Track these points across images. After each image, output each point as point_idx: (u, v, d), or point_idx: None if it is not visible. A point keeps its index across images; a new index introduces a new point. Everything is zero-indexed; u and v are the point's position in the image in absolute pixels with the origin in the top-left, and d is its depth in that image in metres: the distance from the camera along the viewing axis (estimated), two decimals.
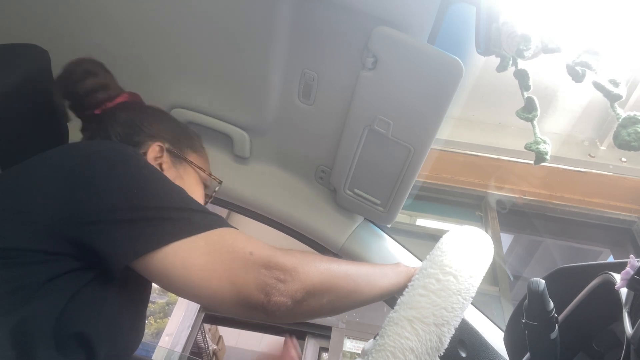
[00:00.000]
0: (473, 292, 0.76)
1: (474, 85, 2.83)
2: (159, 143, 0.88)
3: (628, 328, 0.53)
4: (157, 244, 0.62)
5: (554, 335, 0.66)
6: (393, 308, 0.72)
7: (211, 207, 1.05)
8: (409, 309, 0.70)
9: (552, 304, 0.66)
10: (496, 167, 3.15)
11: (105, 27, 1.04)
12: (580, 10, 0.70)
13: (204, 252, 0.63)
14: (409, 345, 0.66)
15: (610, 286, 0.60)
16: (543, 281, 0.65)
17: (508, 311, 2.63)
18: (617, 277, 0.58)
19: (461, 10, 0.82)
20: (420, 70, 0.85)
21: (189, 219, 0.66)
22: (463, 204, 3.38)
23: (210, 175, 0.97)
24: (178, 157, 0.91)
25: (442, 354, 0.70)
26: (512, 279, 3.04)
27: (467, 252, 0.78)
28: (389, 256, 1.15)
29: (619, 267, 0.60)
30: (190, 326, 4.25)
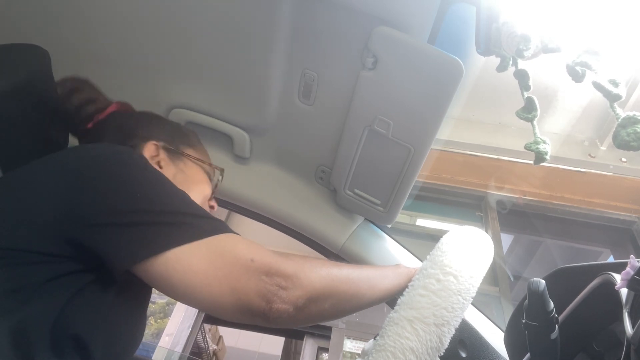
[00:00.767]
0: (473, 292, 0.76)
1: (474, 85, 2.83)
2: (154, 142, 0.88)
3: (628, 328, 0.53)
4: (159, 249, 0.62)
5: (554, 335, 0.66)
6: (393, 308, 0.73)
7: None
8: (409, 309, 0.70)
9: (552, 304, 0.66)
10: (496, 167, 3.15)
11: (105, 28, 1.04)
12: (580, 10, 0.70)
13: (205, 258, 0.63)
14: (409, 345, 0.66)
15: (610, 286, 0.60)
16: (543, 281, 0.65)
17: (508, 311, 2.63)
18: (617, 278, 0.58)
19: (461, 10, 0.82)
20: (420, 70, 0.85)
21: (191, 224, 0.65)
22: (463, 204, 3.38)
23: (210, 165, 0.96)
24: (175, 152, 0.91)
25: (442, 354, 0.70)
26: (512, 279, 3.04)
27: (467, 253, 0.78)
28: (389, 256, 1.15)
29: (619, 268, 0.60)
30: (191, 326, 4.25)
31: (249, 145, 1.17)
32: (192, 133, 1.00)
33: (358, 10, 0.84)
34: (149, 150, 0.87)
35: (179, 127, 0.99)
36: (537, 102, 0.77)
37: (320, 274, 0.69)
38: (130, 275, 0.64)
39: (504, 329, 0.90)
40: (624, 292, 0.57)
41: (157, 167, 0.85)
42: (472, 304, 0.85)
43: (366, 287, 0.76)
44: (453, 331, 0.72)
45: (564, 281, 0.73)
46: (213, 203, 0.97)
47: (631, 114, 0.63)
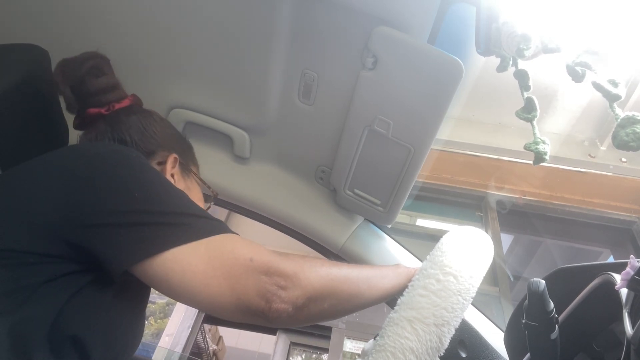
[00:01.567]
0: (473, 292, 0.76)
1: (474, 85, 2.83)
2: (175, 155, 0.89)
3: (628, 328, 0.53)
4: (157, 249, 0.62)
5: (554, 335, 0.66)
6: (393, 308, 0.73)
7: (211, 208, 1.05)
8: (409, 310, 0.70)
9: (552, 304, 0.66)
10: (496, 167, 3.15)
11: (105, 27, 1.04)
12: (580, 10, 0.70)
13: (204, 259, 0.63)
14: (409, 345, 0.66)
15: (610, 286, 0.60)
16: (543, 281, 0.65)
17: (508, 311, 2.63)
18: (617, 278, 0.58)
19: (461, 10, 0.82)
20: (420, 70, 0.85)
21: (190, 224, 0.65)
22: (463, 204, 3.38)
23: (210, 187, 0.97)
24: (186, 169, 0.91)
25: (442, 354, 0.70)
26: (512, 279, 3.04)
27: (467, 253, 0.78)
28: (389, 256, 1.15)
29: (619, 268, 0.60)
30: (190, 326, 4.25)
31: (249, 145, 1.17)
32: (192, 147, 1.00)
33: (358, 10, 0.84)
34: (171, 162, 0.87)
35: (189, 144, 0.99)
36: (537, 102, 0.77)
37: (320, 274, 0.69)
38: (128, 275, 0.64)
39: (504, 329, 0.90)
40: (624, 292, 0.57)
41: (170, 180, 0.85)
42: (472, 304, 0.85)
43: (366, 287, 0.76)
44: (453, 331, 0.72)
45: (564, 281, 0.73)
46: None
47: (630, 114, 0.63)
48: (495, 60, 0.79)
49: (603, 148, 3.10)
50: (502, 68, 0.79)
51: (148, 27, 1.02)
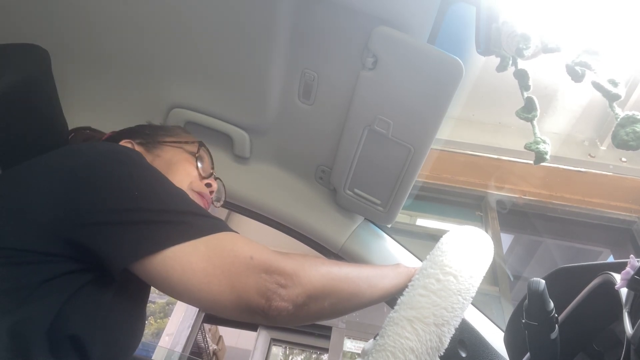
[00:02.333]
0: (473, 292, 0.76)
1: (474, 85, 2.83)
2: (127, 140, 0.89)
3: (628, 328, 0.53)
4: (157, 247, 0.62)
5: (554, 335, 0.66)
6: (393, 308, 0.73)
7: (211, 209, 1.05)
8: (409, 309, 0.70)
9: (552, 304, 0.66)
10: (496, 167, 3.15)
11: (105, 27, 1.04)
12: (580, 10, 0.70)
13: (204, 257, 0.63)
14: (409, 345, 0.66)
15: (610, 286, 0.60)
16: (543, 281, 0.65)
17: (508, 311, 2.63)
18: (617, 277, 0.58)
19: (461, 10, 0.82)
20: (420, 70, 0.85)
21: (190, 222, 0.65)
22: (463, 204, 3.38)
23: (187, 142, 0.93)
24: (151, 143, 0.91)
25: (442, 354, 0.70)
26: (512, 279, 3.04)
27: (467, 252, 0.78)
28: (389, 256, 1.15)
29: (619, 267, 0.60)
30: (191, 326, 4.26)
31: (249, 145, 1.17)
32: (176, 127, 1.00)
33: (358, 10, 0.84)
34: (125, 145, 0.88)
35: (160, 126, 0.99)
36: (537, 102, 0.77)
37: (320, 272, 0.69)
38: (128, 274, 0.64)
39: (504, 329, 0.90)
40: (624, 292, 0.57)
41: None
42: (472, 304, 0.85)
43: (366, 286, 0.76)
44: (453, 331, 0.72)
45: (564, 281, 0.73)
46: (210, 181, 0.94)
47: (630, 113, 0.63)
48: (495, 60, 0.79)
49: (603, 148, 3.10)
50: (502, 68, 0.79)
51: (148, 27, 1.02)
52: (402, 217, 2.25)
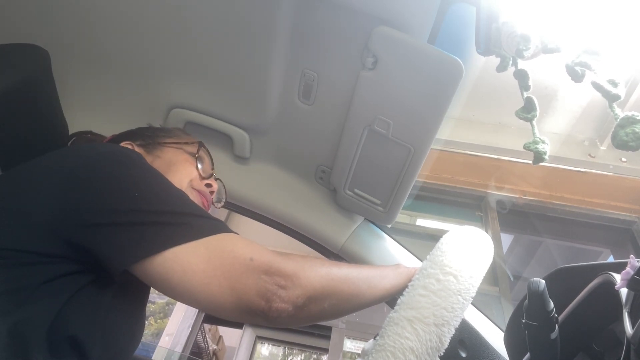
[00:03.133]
0: (473, 292, 0.76)
1: (474, 85, 2.83)
2: (127, 142, 0.89)
3: (628, 328, 0.53)
4: (157, 249, 0.62)
5: (554, 335, 0.66)
6: (393, 308, 0.72)
7: (211, 210, 1.05)
8: (409, 309, 0.70)
9: (552, 304, 0.66)
10: (496, 167, 3.15)
11: (105, 28, 1.04)
12: (580, 10, 0.70)
13: (204, 258, 0.63)
14: (409, 345, 0.66)
15: (610, 286, 0.60)
16: (543, 281, 0.65)
17: (508, 311, 2.63)
18: (617, 277, 0.58)
19: (461, 10, 0.82)
20: (420, 70, 0.85)
21: (190, 223, 0.65)
22: (463, 204, 3.38)
23: (187, 142, 0.94)
24: (150, 145, 0.91)
25: (442, 354, 0.70)
26: (512, 279, 3.04)
27: (467, 252, 0.78)
28: (389, 256, 1.15)
29: (619, 267, 0.60)
30: (190, 326, 4.26)
31: (249, 145, 1.17)
32: (176, 128, 1.01)
33: (358, 10, 0.84)
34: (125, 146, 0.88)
35: (160, 128, 0.99)
36: (536, 102, 0.77)
37: (320, 274, 0.69)
38: (128, 275, 0.64)
39: (504, 329, 0.90)
40: (624, 292, 0.57)
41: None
42: (472, 304, 0.85)
43: (366, 286, 0.76)
44: (453, 331, 0.72)
45: (564, 281, 0.73)
46: (211, 181, 0.94)
47: (630, 114, 0.63)
48: (495, 60, 0.79)
49: (603, 148, 3.10)
50: (502, 68, 0.79)
51: (148, 27, 1.02)
52: (402, 217, 2.25)
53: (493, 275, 2.97)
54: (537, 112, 0.77)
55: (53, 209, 0.64)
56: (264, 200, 1.20)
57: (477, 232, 0.85)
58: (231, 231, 0.68)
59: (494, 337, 0.99)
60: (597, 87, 0.67)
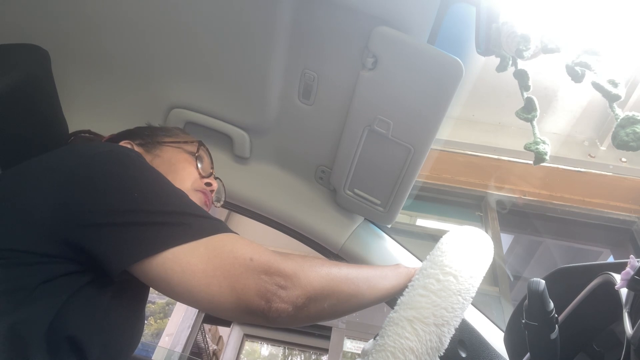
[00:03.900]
0: (473, 292, 0.76)
1: (474, 85, 2.83)
2: (127, 141, 0.89)
3: (628, 328, 0.53)
4: (156, 249, 0.62)
5: (554, 335, 0.66)
6: (393, 308, 0.73)
7: (211, 209, 1.05)
8: (409, 309, 0.70)
9: (552, 304, 0.66)
10: (496, 167, 3.15)
11: (105, 28, 1.04)
12: (580, 10, 0.70)
13: (204, 258, 0.63)
14: (409, 345, 0.66)
15: (610, 286, 0.60)
16: (543, 281, 0.65)
17: (508, 311, 2.63)
18: (617, 277, 0.58)
19: (461, 10, 0.83)
20: (420, 70, 0.85)
21: (190, 224, 0.65)
22: (463, 204, 3.38)
23: (186, 142, 0.94)
24: (150, 144, 0.91)
25: (442, 354, 0.70)
26: (512, 279, 3.04)
27: (467, 253, 0.78)
28: (389, 256, 1.15)
29: (619, 267, 0.60)
30: (190, 326, 4.26)
31: (249, 145, 1.17)
32: (175, 128, 1.00)
33: (358, 10, 0.84)
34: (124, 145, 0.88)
35: (160, 127, 0.99)
36: (536, 102, 0.77)
37: (320, 274, 0.69)
38: (127, 276, 0.64)
39: (504, 329, 0.90)
40: (624, 292, 0.57)
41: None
42: (472, 304, 0.85)
43: (366, 286, 0.76)
44: (453, 331, 0.72)
45: (564, 281, 0.73)
46: (210, 180, 0.94)
47: (630, 114, 0.63)
48: (495, 60, 0.79)
49: (603, 148, 3.10)
50: (502, 68, 0.79)
51: (148, 27, 1.02)
52: (402, 217, 2.25)
53: (493, 275, 2.97)
54: (538, 113, 0.77)
55: (52, 208, 0.63)
56: (264, 200, 1.20)
57: (477, 232, 0.86)
58: (231, 231, 0.68)
59: (494, 337, 0.99)
60: (597, 87, 0.67)
